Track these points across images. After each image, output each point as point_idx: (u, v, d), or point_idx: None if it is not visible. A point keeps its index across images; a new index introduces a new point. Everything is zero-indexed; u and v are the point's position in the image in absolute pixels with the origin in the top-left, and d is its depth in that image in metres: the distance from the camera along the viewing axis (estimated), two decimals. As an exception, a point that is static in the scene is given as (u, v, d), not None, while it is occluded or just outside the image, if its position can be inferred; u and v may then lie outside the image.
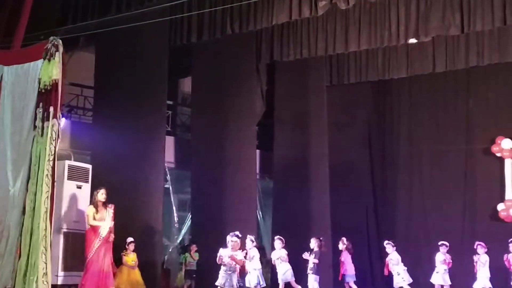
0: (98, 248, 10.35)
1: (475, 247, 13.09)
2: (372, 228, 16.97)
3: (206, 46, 14.54)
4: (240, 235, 10.33)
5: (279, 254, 12.24)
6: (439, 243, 13.46)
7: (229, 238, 10.09)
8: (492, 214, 15.67)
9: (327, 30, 14.34)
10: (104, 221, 10.42)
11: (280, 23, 13.46)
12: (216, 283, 9.98)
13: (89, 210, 10.52)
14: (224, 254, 9.91)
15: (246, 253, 10.94)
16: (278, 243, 12.30)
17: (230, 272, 9.87)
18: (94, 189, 10.75)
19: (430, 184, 16.66)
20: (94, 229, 10.36)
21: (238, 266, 10.03)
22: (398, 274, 13.15)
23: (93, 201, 10.60)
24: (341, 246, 13.50)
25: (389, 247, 13.38)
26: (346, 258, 13.44)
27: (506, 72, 15.75)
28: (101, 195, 10.56)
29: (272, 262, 12.34)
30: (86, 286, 10.12)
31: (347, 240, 13.59)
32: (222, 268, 9.91)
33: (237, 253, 10.00)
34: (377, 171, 17.42)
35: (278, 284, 12.33)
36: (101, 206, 10.52)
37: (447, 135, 16.60)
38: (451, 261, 13.30)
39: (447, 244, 13.41)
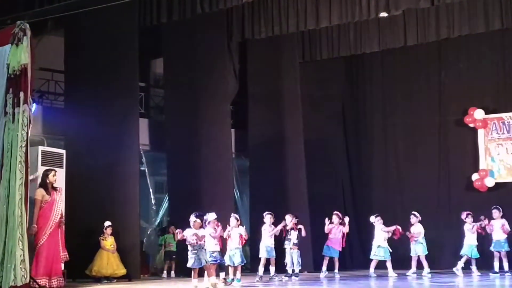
0: (51, 234, 10.18)
1: (464, 217, 13.29)
2: (349, 202, 17.09)
3: (176, 26, 14.43)
4: (200, 214, 10.36)
5: (269, 229, 12.33)
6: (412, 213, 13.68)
7: (191, 217, 10.13)
8: (467, 184, 15.87)
9: (298, 6, 14.28)
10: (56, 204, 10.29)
11: (250, 0, 13.39)
12: (188, 265, 9.99)
13: (39, 193, 10.17)
14: (187, 233, 9.95)
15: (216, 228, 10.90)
16: (268, 217, 12.36)
17: (196, 251, 9.90)
18: (47, 171, 10.44)
19: (404, 156, 16.81)
20: (45, 213, 10.18)
21: (203, 243, 10.07)
22: (378, 247, 13.33)
23: (43, 183, 10.31)
24: (337, 220, 13.54)
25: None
26: (338, 233, 13.51)
27: (477, 44, 15.88)
28: (53, 176, 10.34)
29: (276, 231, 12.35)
30: (39, 273, 9.97)
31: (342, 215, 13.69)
32: (189, 249, 9.94)
33: (198, 231, 10.04)
34: (352, 145, 17.52)
35: (256, 261, 12.42)
36: (51, 188, 10.36)
37: (420, 107, 16.72)
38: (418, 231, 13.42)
39: (416, 214, 13.55)
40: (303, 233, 12.75)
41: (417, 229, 13.43)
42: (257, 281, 11.84)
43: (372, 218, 13.64)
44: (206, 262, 10.04)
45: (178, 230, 10.14)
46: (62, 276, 10.43)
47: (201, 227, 10.18)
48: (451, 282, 11.68)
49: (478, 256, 13.23)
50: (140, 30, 13.58)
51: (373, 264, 13.39)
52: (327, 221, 13.44)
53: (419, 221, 13.51)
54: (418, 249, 13.34)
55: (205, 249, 10.17)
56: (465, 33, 14.85)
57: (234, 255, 11.32)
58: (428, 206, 15.71)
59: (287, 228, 12.59)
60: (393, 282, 12.12)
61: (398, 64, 17.03)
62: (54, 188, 10.39)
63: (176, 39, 14.94)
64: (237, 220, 11.60)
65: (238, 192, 16.95)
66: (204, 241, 10.18)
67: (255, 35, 15.18)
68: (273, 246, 12.33)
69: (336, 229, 13.51)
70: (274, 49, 16.17)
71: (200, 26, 14.50)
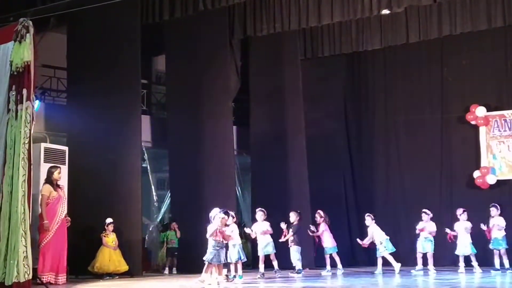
0: (57, 231, 10.32)
1: (459, 214, 13.31)
2: (351, 199, 17.08)
3: (178, 23, 14.44)
4: (229, 212, 10.40)
5: (261, 227, 12.32)
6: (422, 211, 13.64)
7: (218, 214, 10.11)
8: (468, 181, 15.86)
9: (299, 3, 14.28)
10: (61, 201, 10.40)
11: (252, -3, 13.43)
12: (204, 258, 9.96)
13: (46, 189, 10.35)
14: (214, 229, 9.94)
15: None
16: (260, 215, 12.35)
17: (218, 248, 9.89)
18: (52, 168, 10.63)
19: (406, 153, 16.79)
20: (52, 210, 10.29)
21: (225, 242, 10.09)
22: (381, 243, 13.30)
23: (49, 180, 10.46)
24: (318, 218, 13.58)
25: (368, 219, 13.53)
26: (325, 231, 13.51)
27: (479, 40, 15.86)
28: (58, 174, 10.51)
29: (252, 234, 12.38)
30: (46, 270, 10.13)
31: (324, 213, 13.66)
32: (211, 244, 9.90)
33: (225, 229, 10.06)
34: (354, 143, 17.51)
35: (258, 258, 12.44)
36: (55, 185, 10.46)
37: (422, 105, 16.71)
38: (431, 229, 13.41)
39: (427, 211, 13.53)
40: (291, 234, 12.72)
41: (431, 227, 13.42)
42: (259, 277, 11.87)
43: (366, 217, 13.61)
44: (224, 261, 10.05)
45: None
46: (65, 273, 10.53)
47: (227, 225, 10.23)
48: (453, 279, 11.69)
49: (475, 251, 13.23)
50: (142, 27, 13.59)
51: (380, 262, 13.39)
52: (312, 227, 13.48)
53: (431, 218, 13.50)
54: (427, 246, 13.33)
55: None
56: (467, 30, 14.82)
57: (232, 251, 11.35)
58: (429, 203, 15.65)
59: (293, 224, 12.60)
60: (396, 278, 12.13)
61: (400, 62, 17.01)
62: (58, 186, 10.47)
63: (178, 36, 14.95)
64: (233, 218, 11.62)
65: (240, 189, 16.97)
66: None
67: (256, 32, 15.18)
68: (269, 242, 12.30)
69: (326, 227, 13.50)
70: (276, 46, 16.17)
71: (202, 23, 14.50)
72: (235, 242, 11.45)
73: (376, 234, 13.38)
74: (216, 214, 10.23)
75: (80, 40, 13.26)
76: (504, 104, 15.82)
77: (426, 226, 13.44)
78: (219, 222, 9.97)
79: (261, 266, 12.26)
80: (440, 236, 13.66)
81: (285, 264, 12.93)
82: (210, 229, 10.07)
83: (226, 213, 10.21)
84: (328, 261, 13.42)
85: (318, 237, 13.59)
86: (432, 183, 16.31)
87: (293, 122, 16.10)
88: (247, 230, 12.65)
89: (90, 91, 12.77)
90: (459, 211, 13.42)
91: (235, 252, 11.38)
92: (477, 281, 11.50)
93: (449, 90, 16.46)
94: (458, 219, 13.41)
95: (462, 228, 13.31)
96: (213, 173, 14.31)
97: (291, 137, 16.00)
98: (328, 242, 13.45)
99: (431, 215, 13.53)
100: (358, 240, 13.69)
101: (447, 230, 13.41)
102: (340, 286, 10.80)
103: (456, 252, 13.36)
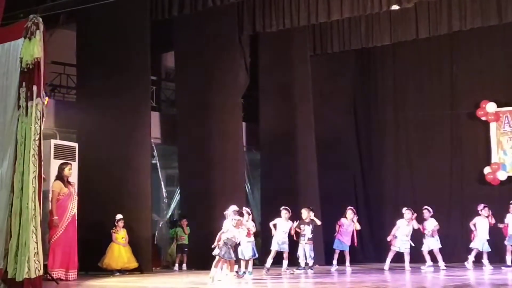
0: (67, 227, 10.37)
1: (480, 209, 13.35)
2: (360, 196, 17.06)
3: (188, 19, 14.43)
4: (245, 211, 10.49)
5: (287, 224, 12.37)
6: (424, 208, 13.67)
7: (233, 216, 10.20)
8: (479, 177, 15.82)
9: (309, -1, 14.27)
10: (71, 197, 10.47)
11: (261, -7, 13.39)
12: (214, 253, 9.99)
13: (56, 186, 10.45)
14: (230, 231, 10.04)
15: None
16: (284, 213, 12.36)
17: (230, 245, 9.94)
18: (63, 164, 10.75)
19: (416, 149, 16.76)
20: (62, 206, 10.34)
21: (237, 241, 10.16)
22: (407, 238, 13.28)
23: (60, 176, 10.56)
24: (351, 215, 13.58)
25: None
26: (350, 228, 13.53)
27: (489, 36, 15.78)
28: (69, 170, 10.60)
29: (271, 227, 12.44)
30: (56, 266, 10.21)
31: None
32: (224, 239, 9.94)
33: (240, 230, 10.12)
34: (363, 139, 17.48)
35: (267, 254, 12.45)
36: (66, 182, 10.52)
37: (432, 101, 16.66)
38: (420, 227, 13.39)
39: (429, 209, 13.55)
40: (318, 222, 12.77)
41: (431, 224, 13.39)
42: (264, 273, 11.87)
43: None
44: (235, 258, 10.10)
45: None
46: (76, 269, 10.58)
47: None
48: (464, 276, 11.66)
49: (490, 249, 13.23)
50: (152, 23, 13.59)
51: (391, 255, 13.38)
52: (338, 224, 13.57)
53: (431, 216, 13.49)
54: (431, 243, 13.32)
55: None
56: (477, 26, 14.72)
57: (245, 249, 11.34)
58: (440, 199, 15.68)
59: (305, 220, 12.57)
60: (406, 274, 12.10)
61: (409, 57, 16.96)
62: (68, 182, 10.52)
63: (187, 32, 14.93)
64: (249, 214, 11.62)
65: (249, 185, 16.96)
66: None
67: (266, 28, 15.15)
68: (286, 240, 12.37)
69: (349, 224, 13.53)
70: (285, 42, 16.14)
71: (211, 19, 14.49)
72: (250, 239, 11.46)
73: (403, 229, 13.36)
74: (231, 212, 10.32)
75: (89, 37, 13.27)
76: (515, 100, 15.76)
77: (426, 224, 13.41)
78: (234, 224, 10.03)
79: (270, 261, 12.27)
80: (449, 233, 13.61)
81: (294, 260, 12.92)
82: (226, 225, 10.13)
83: (241, 214, 10.27)
84: (336, 255, 13.44)
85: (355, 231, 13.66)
86: (442, 179, 16.27)
87: (303, 118, 16.08)
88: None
89: (99, 88, 12.79)
90: (480, 206, 13.41)
91: (249, 249, 11.37)
92: (488, 277, 11.46)
93: (459, 86, 16.41)
94: (477, 214, 13.41)
95: (483, 223, 13.26)
96: (222, 169, 14.30)
97: (300, 133, 15.98)
98: (346, 238, 13.49)
99: (432, 212, 13.49)
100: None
101: (500, 225, 13.40)
102: (350, 282, 10.79)
103: (471, 245, 13.31)
